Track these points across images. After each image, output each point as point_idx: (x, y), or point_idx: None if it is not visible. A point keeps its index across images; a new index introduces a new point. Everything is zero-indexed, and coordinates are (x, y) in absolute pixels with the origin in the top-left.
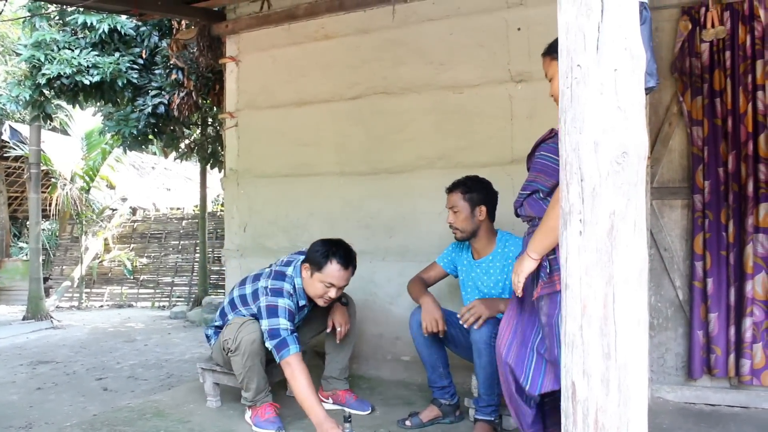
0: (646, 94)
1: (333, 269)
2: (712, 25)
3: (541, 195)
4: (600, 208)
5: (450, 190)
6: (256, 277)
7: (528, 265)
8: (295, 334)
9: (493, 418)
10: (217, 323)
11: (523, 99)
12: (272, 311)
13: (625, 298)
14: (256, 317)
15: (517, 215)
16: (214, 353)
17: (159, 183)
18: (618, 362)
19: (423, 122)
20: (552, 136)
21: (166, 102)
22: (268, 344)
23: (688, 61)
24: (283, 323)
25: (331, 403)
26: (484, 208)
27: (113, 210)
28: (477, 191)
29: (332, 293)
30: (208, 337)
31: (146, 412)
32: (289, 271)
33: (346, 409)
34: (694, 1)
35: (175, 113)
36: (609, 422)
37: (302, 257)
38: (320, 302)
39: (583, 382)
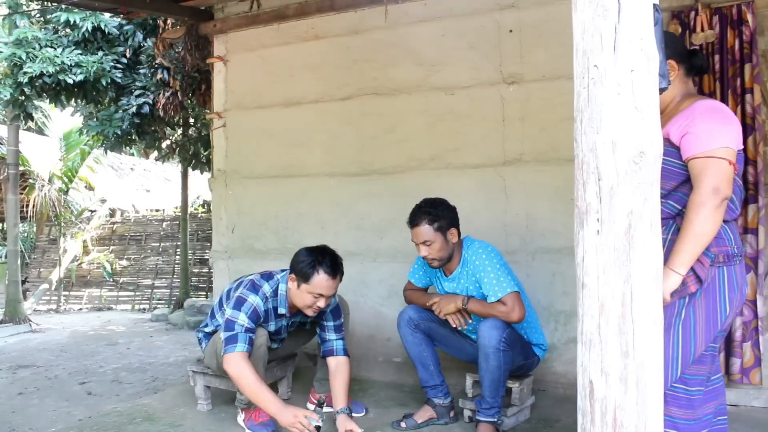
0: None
1: (320, 279)
2: (702, 29)
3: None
4: (618, 207)
5: (414, 224)
6: (247, 276)
7: (674, 281)
8: (251, 335)
9: (496, 420)
10: (207, 328)
11: (515, 100)
12: (238, 303)
13: (643, 296)
14: None
15: None
16: (207, 357)
17: (138, 184)
18: (636, 360)
19: (414, 123)
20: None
21: (151, 102)
22: (222, 335)
23: None
24: (242, 319)
25: (323, 405)
26: (454, 230)
27: (92, 211)
28: (443, 216)
29: (321, 303)
30: (199, 340)
31: (136, 416)
32: (278, 275)
33: (322, 395)
34: (684, 6)
35: (161, 113)
36: (627, 420)
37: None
38: (309, 312)
39: (601, 380)
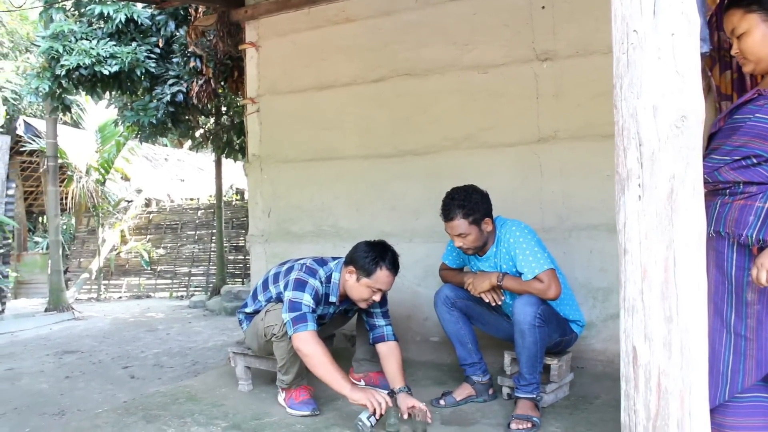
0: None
1: (382, 275)
2: None
3: (755, 161)
4: (659, 172)
5: (449, 218)
6: (297, 260)
7: None
8: (316, 314)
9: (535, 396)
10: (248, 309)
11: (549, 77)
12: (300, 285)
13: (686, 261)
14: (280, 297)
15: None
16: (248, 338)
17: (173, 174)
18: (680, 326)
19: (447, 103)
20: (756, 97)
21: (184, 90)
22: (285, 315)
23: (717, 35)
24: (307, 299)
25: (363, 386)
26: (489, 219)
27: (129, 202)
28: (477, 209)
29: (377, 297)
30: (240, 322)
31: (179, 396)
32: (331, 263)
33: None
34: None
35: (194, 101)
36: (672, 385)
37: (341, 260)
38: (363, 305)
39: (644, 346)
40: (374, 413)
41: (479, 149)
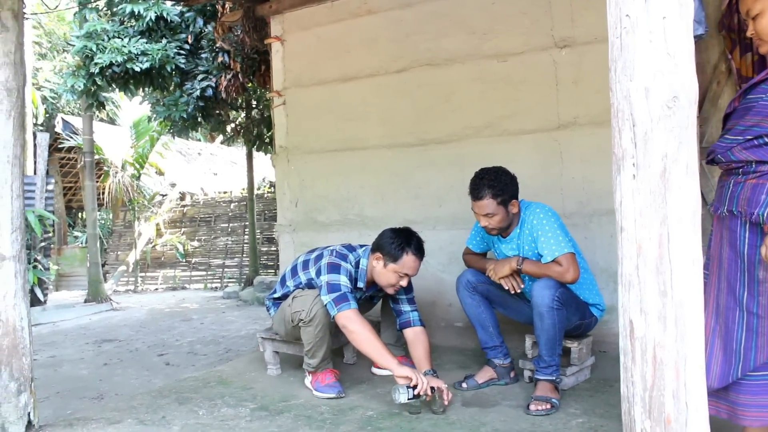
0: (695, 41)
1: (409, 260)
2: None
3: (767, 140)
4: (652, 151)
5: (477, 197)
6: (325, 247)
7: None
8: (354, 294)
9: (554, 378)
10: (276, 295)
11: (568, 64)
12: (335, 268)
13: (680, 237)
14: (311, 284)
15: (712, 162)
16: (275, 324)
17: (206, 168)
18: (674, 299)
19: (468, 92)
20: None
21: (213, 85)
22: (325, 298)
23: (736, 17)
24: (344, 281)
25: (387, 372)
26: (515, 201)
27: (163, 195)
28: (506, 190)
29: (404, 282)
30: (268, 308)
31: (210, 381)
32: (359, 250)
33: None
34: None
35: (223, 95)
36: (667, 357)
37: (367, 247)
38: (390, 290)
39: (640, 319)
40: (414, 388)
41: (500, 137)
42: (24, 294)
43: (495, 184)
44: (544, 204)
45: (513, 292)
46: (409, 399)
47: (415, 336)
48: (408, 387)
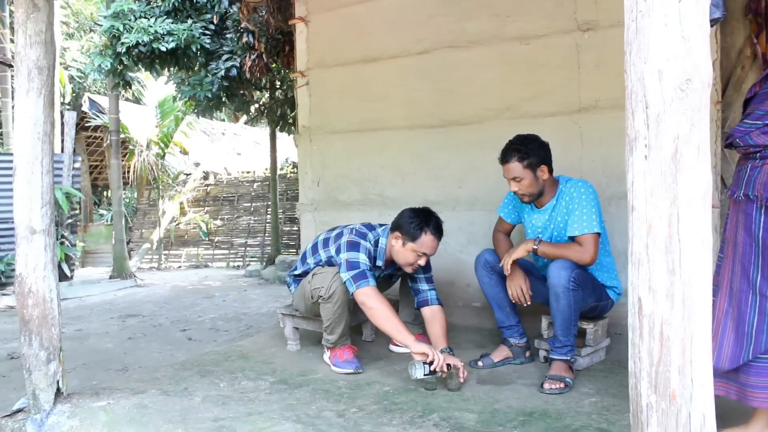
0: (712, 25)
1: (427, 240)
2: None
3: None
4: (664, 133)
5: (505, 160)
6: (345, 226)
7: None
8: (373, 272)
9: (569, 358)
10: (297, 272)
11: (591, 48)
12: (354, 246)
13: (690, 218)
14: (331, 261)
15: (731, 146)
16: (296, 300)
17: (229, 148)
18: (683, 278)
19: (490, 74)
20: None
21: (238, 65)
22: (345, 275)
23: (763, 1)
24: (363, 258)
25: (405, 349)
26: (545, 167)
27: (187, 175)
28: (534, 154)
29: (422, 261)
30: (288, 284)
31: (231, 355)
32: (378, 229)
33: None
34: None
35: (248, 75)
36: (674, 334)
37: (387, 226)
38: (408, 269)
39: (648, 297)
40: (430, 364)
41: (521, 119)
42: (53, 267)
43: (521, 147)
44: (587, 181)
45: (515, 301)
46: (425, 375)
47: (433, 314)
48: (424, 363)
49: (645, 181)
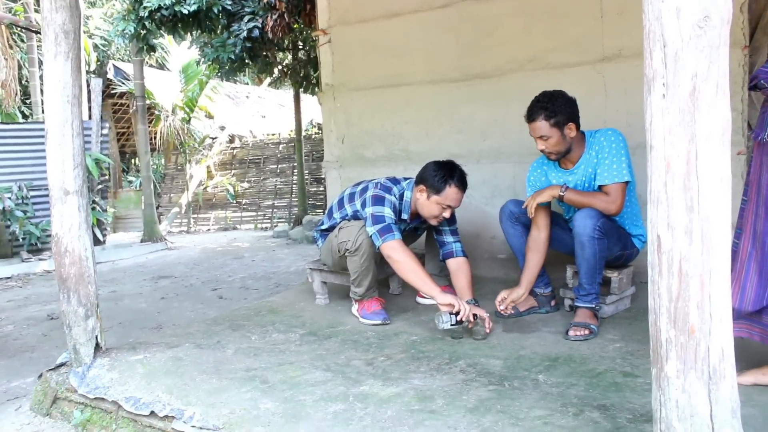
0: None
1: (452, 192)
2: None
3: None
4: (682, 71)
5: (531, 119)
6: (370, 180)
7: None
8: (398, 226)
9: (593, 305)
10: (323, 226)
11: None
12: (379, 200)
13: (708, 155)
14: (356, 215)
15: (755, 88)
16: (323, 254)
17: (254, 111)
18: (701, 215)
19: (512, 25)
20: None
21: (260, 25)
22: (370, 229)
23: None
24: (388, 212)
25: (431, 301)
26: (572, 125)
27: (213, 138)
28: (560, 112)
29: (447, 214)
30: (315, 240)
31: (261, 310)
32: (403, 183)
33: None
34: None
35: (270, 35)
36: (693, 270)
37: (411, 180)
38: (433, 222)
39: (667, 234)
40: (456, 315)
41: (544, 70)
42: (87, 226)
43: (548, 105)
44: (617, 129)
45: (502, 312)
46: (451, 325)
47: (458, 266)
48: (450, 314)
49: (663, 119)
